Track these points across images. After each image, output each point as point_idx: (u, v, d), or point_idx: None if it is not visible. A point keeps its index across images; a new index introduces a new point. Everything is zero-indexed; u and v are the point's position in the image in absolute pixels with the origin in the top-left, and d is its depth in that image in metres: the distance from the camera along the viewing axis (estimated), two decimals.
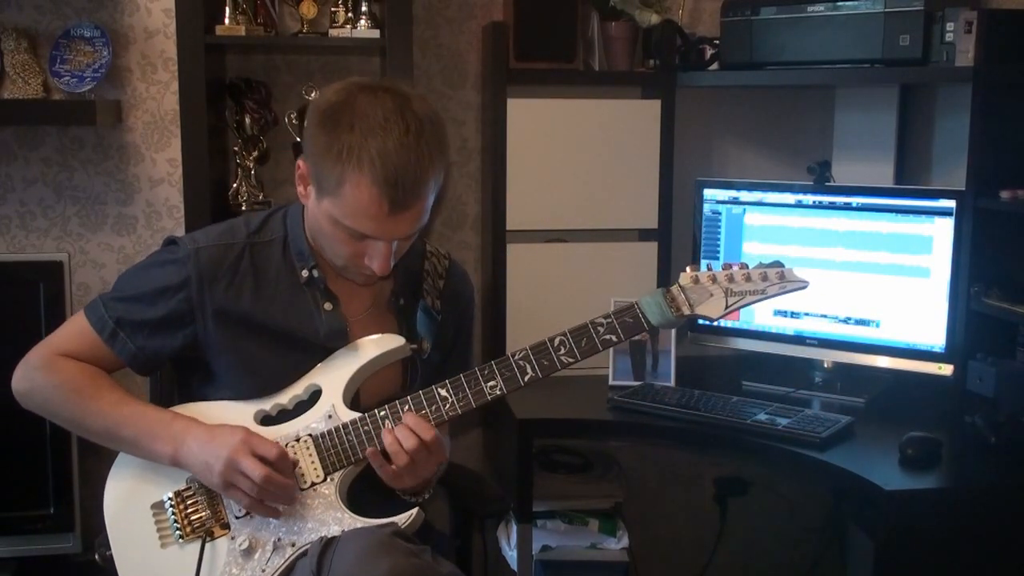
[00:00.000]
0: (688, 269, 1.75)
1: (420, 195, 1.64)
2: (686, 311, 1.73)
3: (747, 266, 1.75)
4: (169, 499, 1.75)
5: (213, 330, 1.76)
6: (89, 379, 1.76)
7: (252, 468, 1.63)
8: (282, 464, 1.67)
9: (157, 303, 1.76)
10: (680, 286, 1.74)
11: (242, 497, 1.67)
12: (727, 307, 1.73)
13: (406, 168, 1.60)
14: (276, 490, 1.66)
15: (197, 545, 1.70)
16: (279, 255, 1.80)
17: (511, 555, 2.59)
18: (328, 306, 1.79)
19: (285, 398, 1.78)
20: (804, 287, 1.75)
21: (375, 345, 1.79)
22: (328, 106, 1.65)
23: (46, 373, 1.76)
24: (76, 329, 1.80)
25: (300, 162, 1.72)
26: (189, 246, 1.77)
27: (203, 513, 1.73)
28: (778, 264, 1.75)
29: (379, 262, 1.69)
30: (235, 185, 2.69)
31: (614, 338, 1.73)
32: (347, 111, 1.63)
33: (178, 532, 1.73)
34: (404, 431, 1.69)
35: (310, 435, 1.74)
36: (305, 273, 1.79)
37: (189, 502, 1.74)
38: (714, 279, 1.73)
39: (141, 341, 1.77)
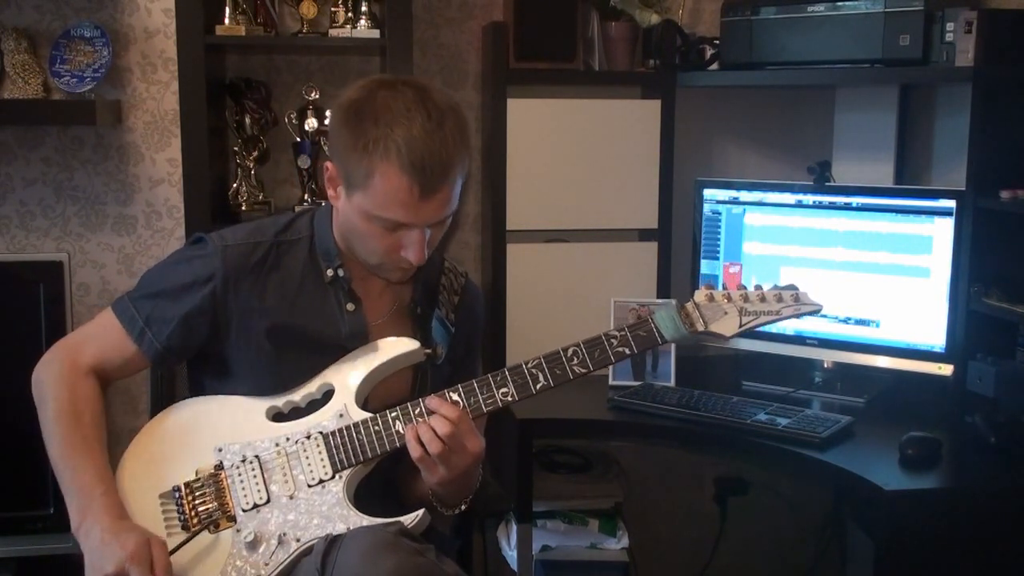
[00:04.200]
0: (703, 287, 1.78)
1: (448, 178, 1.66)
2: (700, 328, 1.74)
3: (762, 287, 1.77)
4: (178, 490, 1.75)
5: (236, 327, 1.77)
6: (79, 408, 1.75)
7: None
8: None
9: (183, 298, 1.77)
10: (695, 303, 1.76)
11: None
12: (741, 326, 1.75)
13: (432, 152, 1.62)
14: None
15: (201, 535, 1.71)
16: (305, 254, 1.81)
17: (511, 555, 2.59)
18: (351, 307, 1.80)
19: (298, 396, 1.79)
20: (818, 310, 1.77)
21: (390, 348, 1.79)
22: (350, 104, 1.67)
23: (56, 377, 1.78)
24: (104, 327, 1.81)
25: (328, 164, 1.74)
26: (217, 243, 1.78)
27: (210, 505, 1.73)
28: (792, 287, 1.77)
29: (415, 250, 1.70)
30: (235, 185, 2.69)
31: (627, 351, 1.75)
32: (369, 106, 1.65)
33: (184, 522, 1.73)
34: (436, 418, 1.69)
35: (320, 432, 1.74)
36: (330, 272, 1.80)
37: (197, 493, 1.74)
38: (729, 298, 1.75)
39: (167, 339, 1.78)
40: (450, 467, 1.70)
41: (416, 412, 1.73)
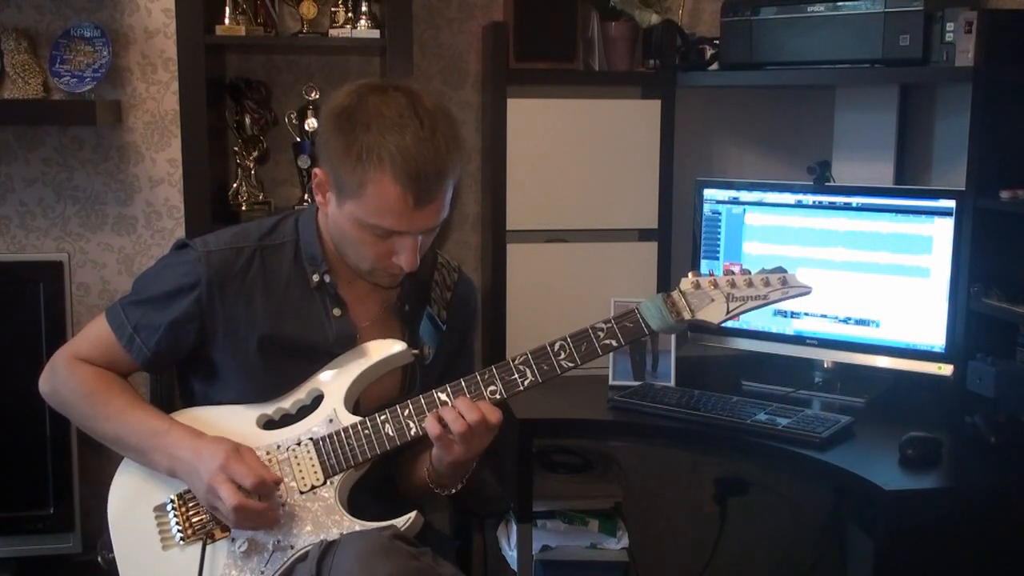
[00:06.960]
0: (689, 274, 1.75)
1: (442, 187, 1.66)
2: (687, 316, 1.72)
3: (749, 271, 1.75)
4: (171, 501, 1.75)
5: (222, 333, 1.77)
6: (101, 383, 1.79)
7: (227, 496, 1.62)
8: (261, 489, 1.65)
9: (170, 305, 1.77)
10: (681, 291, 1.74)
11: (223, 518, 1.68)
12: (728, 312, 1.72)
13: (426, 161, 1.62)
14: (252, 516, 1.65)
15: (197, 547, 1.71)
16: (290, 259, 1.81)
17: (511, 555, 2.59)
18: (337, 312, 1.80)
19: (288, 402, 1.79)
20: (807, 292, 1.74)
21: (378, 351, 1.79)
22: (341, 110, 1.66)
23: (65, 375, 1.80)
24: (97, 333, 1.83)
25: (316, 171, 1.73)
26: (200, 249, 1.78)
27: (204, 515, 1.73)
28: (780, 269, 1.75)
29: (407, 257, 1.70)
30: (235, 185, 2.69)
31: (614, 343, 1.73)
32: (361, 112, 1.64)
33: (179, 534, 1.73)
34: (466, 404, 1.68)
35: (311, 439, 1.74)
36: (316, 277, 1.79)
37: (191, 504, 1.74)
38: (715, 284, 1.73)
39: (155, 345, 1.79)
40: (469, 448, 1.70)
41: (405, 414, 1.73)
